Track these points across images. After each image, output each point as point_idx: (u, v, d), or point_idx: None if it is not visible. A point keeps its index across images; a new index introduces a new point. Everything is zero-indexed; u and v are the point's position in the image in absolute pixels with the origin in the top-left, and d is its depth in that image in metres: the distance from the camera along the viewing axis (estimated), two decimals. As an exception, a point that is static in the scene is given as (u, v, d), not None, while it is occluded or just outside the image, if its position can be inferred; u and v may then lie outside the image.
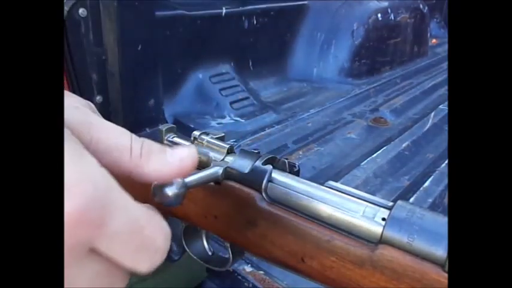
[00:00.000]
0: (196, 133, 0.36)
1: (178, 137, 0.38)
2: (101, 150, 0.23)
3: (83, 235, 0.19)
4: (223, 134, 0.36)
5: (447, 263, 0.23)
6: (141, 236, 0.21)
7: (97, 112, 0.37)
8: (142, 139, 0.24)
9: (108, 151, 0.23)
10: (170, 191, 0.25)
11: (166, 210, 0.26)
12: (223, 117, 1.28)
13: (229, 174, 0.32)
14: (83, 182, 0.19)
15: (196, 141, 0.36)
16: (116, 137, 0.23)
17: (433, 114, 1.36)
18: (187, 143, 0.36)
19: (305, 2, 1.63)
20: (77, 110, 0.24)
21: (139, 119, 1.01)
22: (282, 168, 0.33)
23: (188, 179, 0.27)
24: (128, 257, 0.21)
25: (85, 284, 0.21)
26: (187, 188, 0.26)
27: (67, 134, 0.21)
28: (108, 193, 0.20)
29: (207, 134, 0.35)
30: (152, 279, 0.54)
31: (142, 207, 0.22)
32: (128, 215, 0.20)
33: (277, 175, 0.32)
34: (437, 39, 2.50)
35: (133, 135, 0.24)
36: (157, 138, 0.38)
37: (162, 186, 0.25)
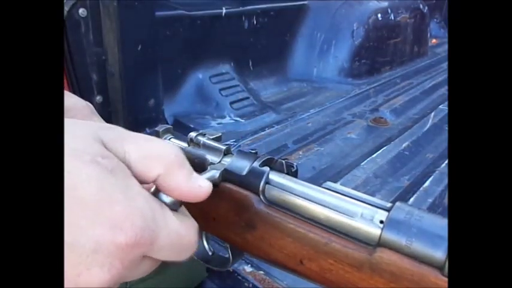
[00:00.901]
0: (192, 134, 0.35)
1: (175, 137, 0.38)
2: (132, 160, 0.25)
3: (137, 253, 0.23)
4: (220, 134, 0.36)
5: (446, 266, 0.23)
6: (182, 242, 0.26)
7: (96, 113, 0.37)
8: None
9: (138, 160, 0.25)
10: (167, 198, 0.25)
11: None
12: (223, 117, 1.28)
13: (227, 176, 0.32)
14: (131, 215, 0.23)
15: (192, 143, 0.35)
16: (146, 148, 0.26)
17: (433, 114, 1.36)
18: (184, 144, 0.36)
19: (305, 2, 1.63)
20: (111, 130, 0.26)
21: (139, 119, 1.01)
22: (279, 169, 0.33)
23: None
24: (172, 257, 0.26)
25: (139, 276, 0.26)
26: None
27: (115, 163, 0.24)
28: (153, 217, 0.24)
29: (203, 135, 0.35)
30: (152, 279, 0.54)
31: (178, 219, 0.25)
32: (169, 230, 0.25)
33: (274, 177, 0.31)
34: (437, 39, 2.50)
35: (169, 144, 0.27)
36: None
37: (159, 192, 0.25)
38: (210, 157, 0.34)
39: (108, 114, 0.93)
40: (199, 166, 0.33)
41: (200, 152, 0.34)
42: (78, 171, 0.22)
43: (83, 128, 0.24)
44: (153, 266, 0.26)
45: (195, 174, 0.27)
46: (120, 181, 0.23)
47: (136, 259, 0.24)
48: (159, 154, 0.25)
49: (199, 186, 0.26)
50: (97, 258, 0.22)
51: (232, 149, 0.34)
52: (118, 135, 0.26)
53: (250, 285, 0.61)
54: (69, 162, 0.22)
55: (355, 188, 0.30)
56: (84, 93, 0.87)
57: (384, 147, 1.11)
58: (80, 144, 0.23)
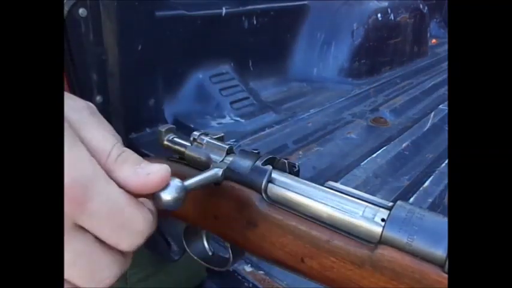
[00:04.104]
0: (196, 133, 0.36)
1: (178, 137, 0.38)
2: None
3: (66, 209, 0.22)
4: (222, 134, 0.36)
5: (447, 264, 0.23)
6: (121, 216, 0.24)
7: (97, 113, 0.38)
8: (124, 148, 0.26)
9: (90, 152, 0.25)
10: (169, 195, 0.25)
11: (166, 210, 0.27)
12: (224, 117, 1.28)
13: (229, 175, 0.32)
14: (70, 165, 0.22)
15: (195, 142, 0.36)
16: (99, 141, 0.26)
17: (433, 114, 1.36)
18: (187, 143, 0.36)
19: (305, 2, 1.63)
20: (75, 112, 0.26)
21: (140, 119, 1.00)
22: (281, 168, 0.33)
23: (188, 182, 0.27)
24: (108, 234, 0.24)
25: (68, 258, 0.23)
26: (186, 191, 0.26)
27: (66, 125, 0.24)
28: (91, 177, 0.23)
29: (206, 134, 0.36)
30: (152, 279, 0.54)
31: (125, 194, 0.25)
32: (108, 197, 0.24)
33: (277, 175, 0.32)
34: (437, 39, 2.50)
35: (119, 144, 0.26)
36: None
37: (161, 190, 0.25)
38: (213, 156, 0.34)
39: (108, 114, 0.93)
40: (202, 165, 0.33)
41: (203, 151, 0.34)
42: None
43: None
44: (83, 249, 0.24)
45: (143, 164, 0.26)
46: (69, 137, 0.23)
47: (65, 218, 0.22)
48: (105, 150, 0.25)
49: (147, 174, 0.25)
50: None
51: (234, 149, 0.34)
52: (79, 119, 0.26)
53: (250, 285, 0.61)
54: None
55: (355, 188, 0.30)
56: (84, 94, 0.87)
57: (384, 147, 1.11)
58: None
